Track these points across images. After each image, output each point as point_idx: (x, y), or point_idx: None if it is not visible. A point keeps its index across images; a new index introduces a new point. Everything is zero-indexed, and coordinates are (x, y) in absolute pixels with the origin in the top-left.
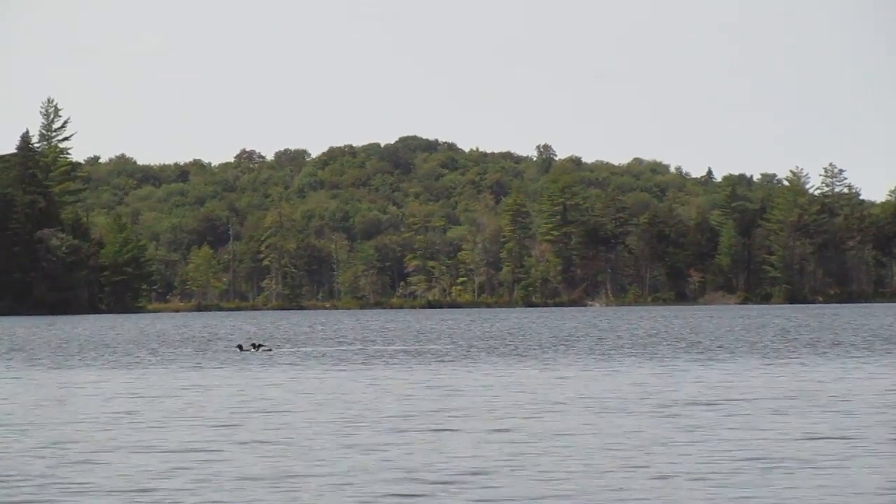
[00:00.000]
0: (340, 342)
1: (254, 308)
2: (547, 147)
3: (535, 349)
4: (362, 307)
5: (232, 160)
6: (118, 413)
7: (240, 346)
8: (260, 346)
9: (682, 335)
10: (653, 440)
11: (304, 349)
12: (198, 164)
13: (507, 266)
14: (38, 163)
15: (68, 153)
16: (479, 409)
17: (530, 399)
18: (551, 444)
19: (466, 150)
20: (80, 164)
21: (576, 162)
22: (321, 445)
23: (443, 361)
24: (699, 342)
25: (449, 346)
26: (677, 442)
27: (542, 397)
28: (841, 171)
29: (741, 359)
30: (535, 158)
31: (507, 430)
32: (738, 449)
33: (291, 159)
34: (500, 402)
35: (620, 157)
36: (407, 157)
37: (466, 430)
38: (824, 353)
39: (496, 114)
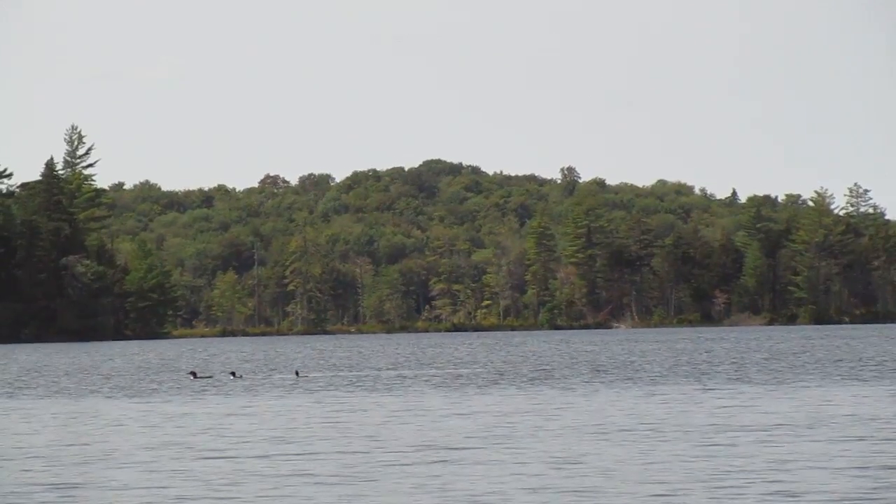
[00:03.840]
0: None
1: (279, 333)
2: (571, 169)
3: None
4: (388, 331)
5: (256, 185)
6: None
7: (193, 374)
8: (232, 373)
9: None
10: None
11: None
12: (222, 190)
13: (532, 289)
14: (63, 190)
15: (93, 180)
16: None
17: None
18: None
19: (490, 173)
20: (104, 190)
21: (600, 184)
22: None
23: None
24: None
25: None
26: None
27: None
28: (866, 191)
29: None
30: (559, 181)
31: None
32: None
33: (315, 184)
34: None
35: (644, 179)
36: (431, 180)
37: None
38: None
39: (520, 137)
